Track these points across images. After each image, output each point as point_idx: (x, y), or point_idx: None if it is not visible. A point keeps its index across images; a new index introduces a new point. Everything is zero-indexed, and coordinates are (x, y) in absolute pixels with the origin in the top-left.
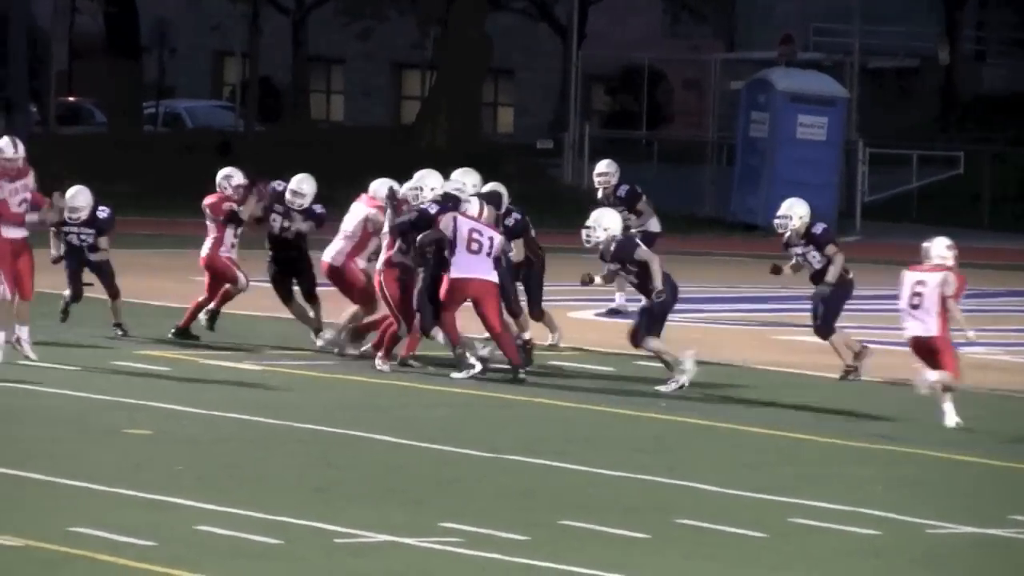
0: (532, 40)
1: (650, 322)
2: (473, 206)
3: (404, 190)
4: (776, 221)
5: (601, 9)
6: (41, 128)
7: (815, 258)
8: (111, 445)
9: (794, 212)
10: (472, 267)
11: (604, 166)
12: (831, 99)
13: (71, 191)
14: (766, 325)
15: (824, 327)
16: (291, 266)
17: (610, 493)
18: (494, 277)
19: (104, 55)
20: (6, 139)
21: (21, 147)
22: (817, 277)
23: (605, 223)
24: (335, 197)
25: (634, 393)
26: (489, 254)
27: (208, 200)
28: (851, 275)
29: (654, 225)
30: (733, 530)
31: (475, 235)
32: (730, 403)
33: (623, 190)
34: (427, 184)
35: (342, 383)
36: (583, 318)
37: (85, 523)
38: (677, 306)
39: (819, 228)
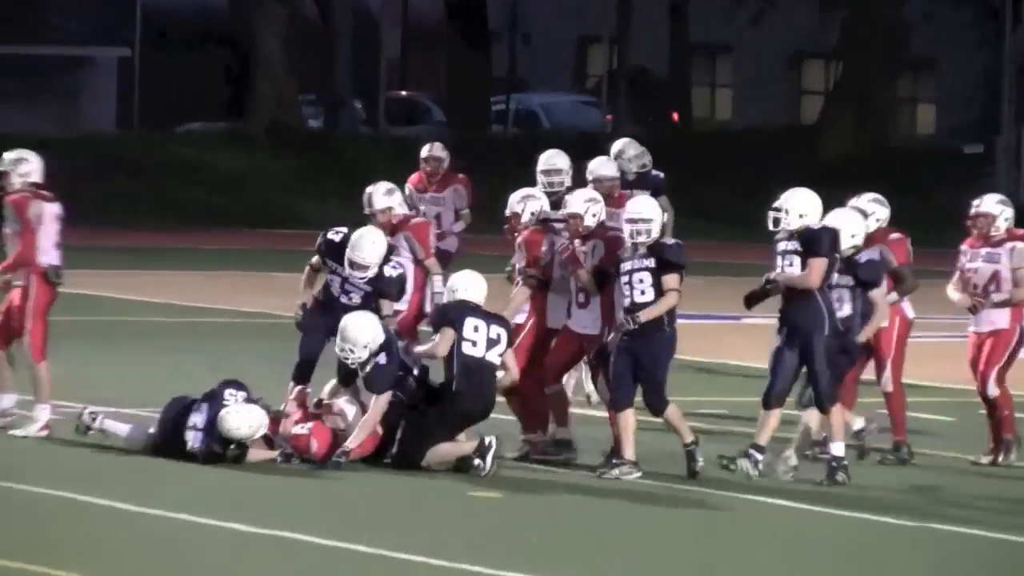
0: (958, 25)
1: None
2: None
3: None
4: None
5: None
6: (368, 128)
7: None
8: (456, 511)
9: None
10: None
11: (561, 161)
12: None
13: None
14: None
15: None
16: None
17: None
18: None
19: (444, 43)
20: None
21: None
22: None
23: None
24: (731, 212)
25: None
26: None
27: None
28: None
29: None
30: None
31: None
32: None
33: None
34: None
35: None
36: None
37: None
38: None
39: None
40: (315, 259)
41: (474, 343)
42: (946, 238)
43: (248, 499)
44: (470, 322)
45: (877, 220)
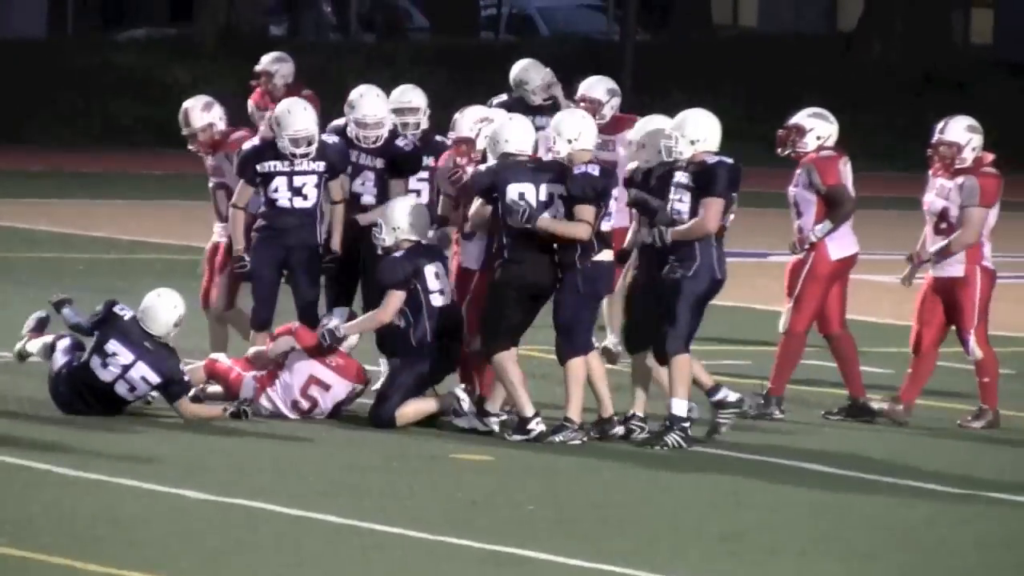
0: None
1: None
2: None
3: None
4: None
5: None
6: (338, 35)
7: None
8: (437, 476)
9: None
10: None
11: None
12: None
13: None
14: None
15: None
16: None
17: None
18: None
19: None
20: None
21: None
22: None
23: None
24: (755, 132)
25: None
26: None
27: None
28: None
29: None
30: None
31: None
32: None
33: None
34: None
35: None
36: None
37: None
38: None
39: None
40: (239, 196)
41: None
42: (1007, 167)
43: (199, 462)
44: (513, 189)
45: (818, 138)
